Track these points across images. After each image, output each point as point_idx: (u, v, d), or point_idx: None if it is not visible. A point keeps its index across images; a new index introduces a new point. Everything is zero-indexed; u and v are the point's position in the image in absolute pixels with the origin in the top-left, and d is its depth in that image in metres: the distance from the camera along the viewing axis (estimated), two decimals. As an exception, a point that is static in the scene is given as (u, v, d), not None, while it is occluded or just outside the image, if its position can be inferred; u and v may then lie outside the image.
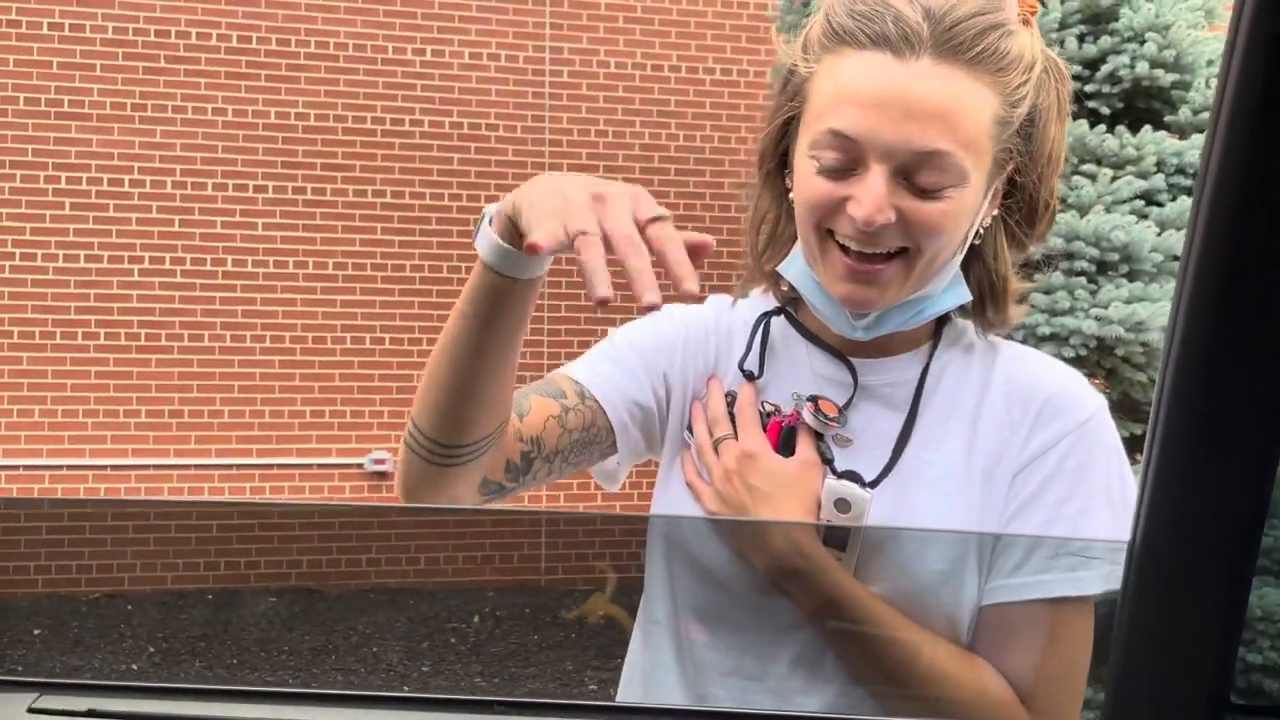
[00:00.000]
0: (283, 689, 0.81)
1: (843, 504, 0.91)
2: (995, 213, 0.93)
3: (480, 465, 0.92)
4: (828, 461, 0.94)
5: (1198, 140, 4.00)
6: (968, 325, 0.98)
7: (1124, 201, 3.84)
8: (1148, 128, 3.96)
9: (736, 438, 0.95)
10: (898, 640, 0.88)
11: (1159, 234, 3.76)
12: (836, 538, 0.90)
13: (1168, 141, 3.95)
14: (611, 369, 1.00)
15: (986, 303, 0.96)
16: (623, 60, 5.90)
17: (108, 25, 5.40)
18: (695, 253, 0.72)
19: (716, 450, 0.96)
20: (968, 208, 0.88)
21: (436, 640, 4.68)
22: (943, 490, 0.91)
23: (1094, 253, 3.67)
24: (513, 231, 0.82)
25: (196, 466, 5.48)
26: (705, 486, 0.96)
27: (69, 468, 5.35)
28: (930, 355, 0.96)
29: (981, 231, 0.92)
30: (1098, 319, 3.62)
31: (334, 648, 4.56)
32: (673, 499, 0.99)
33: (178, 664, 4.33)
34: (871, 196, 0.85)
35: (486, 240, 0.86)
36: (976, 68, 0.85)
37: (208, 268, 5.52)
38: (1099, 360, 3.87)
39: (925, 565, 0.90)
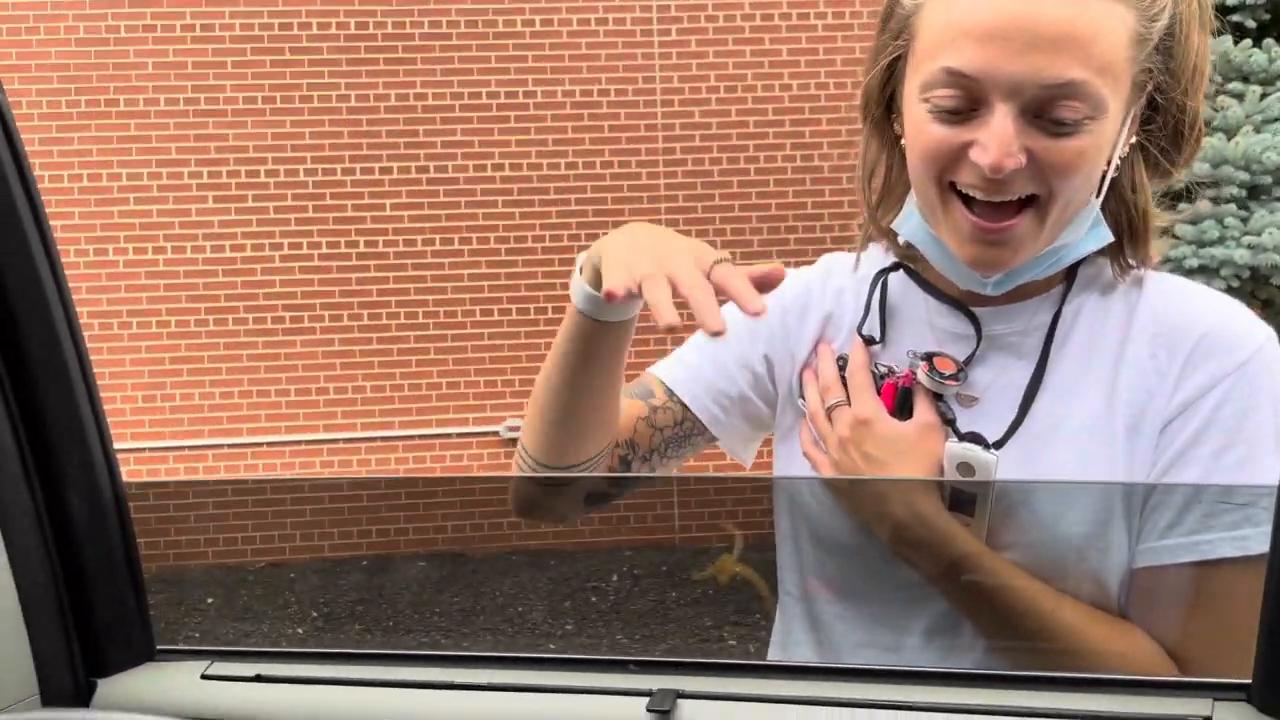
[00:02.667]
0: (432, 652, 0.85)
1: (966, 468, 0.83)
2: (1134, 140, 0.84)
3: (584, 485, 0.93)
4: (949, 422, 0.86)
5: (1359, 46, 3.70)
6: (1107, 261, 0.88)
7: (1275, 119, 3.59)
8: (1300, 38, 3.68)
9: (849, 403, 0.90)
10: (1036, 610, 0.82)
11: (1317, 151, 3.50)
12: (963, 501, 0.83)
13: (1324, 51, 3.67)
14: (699, 361, 0.99)
15: (1125, 241, 0.86)
16: (731, 12, 5.81)
17: (235, 23, 5.63)
18: (768, 280, 0.73)
19: (830, 418, 0.91)
20: (1106, 141, 0.79)
21: (578, 599, 4.80)
22: (1080, 448, 0.82)
23: (1244, 177, 3.45)
24: (598, 278, 0.82)
25: (344, 440, 5.73)
26: (822, 456, 0.92)
27: (229, 446, 5.68)
28: (1064, 298, 0.86)
29: (1119, 163, 0.83)
30: (1250, 247, 3.41)
31: (481, 609, 4.72)
32: (791, 470, 0.96)
33: (339, 627, 4.57)
34: (998, 139, 0.76)
35: (577, 287, 0.87)
36: None
37: (342, 250, 5.73)
38: (1254, 291, 3.64)
39: (1064, 527, 0.82)
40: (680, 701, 0.74)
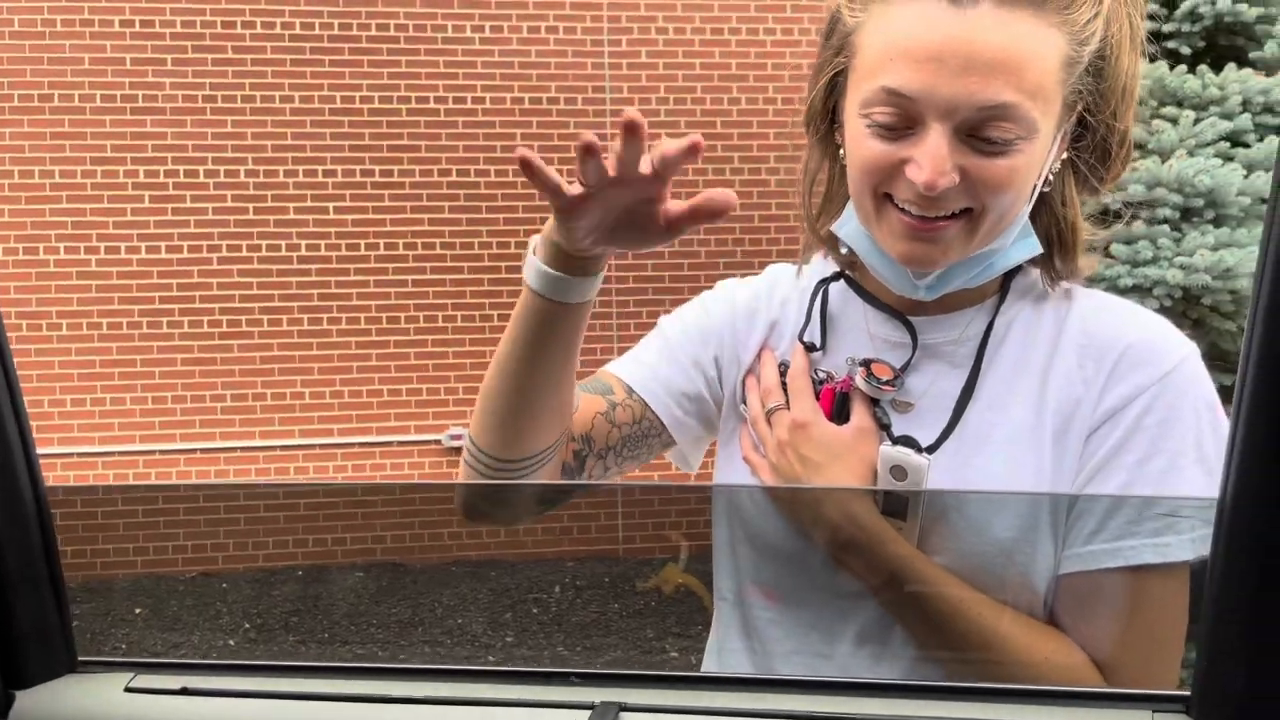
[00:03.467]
0: (367, 664, 0.83)
1: (899, 471, 0.85)
2: (1065, 157, 0.87)
3: (538, 477, 0.92)
4: (884, 427, 0.89)
5: (1286, 76, 3.82)
6: (1039, 274, 0.92)
7: (1208, 144, 3.69)
8: (1231, 66, 3.80)
9: (789, 407, 0.92)
10: (964, 613, 0.83)
11: (1246, 176, 3.61)
12: (896, 505, 0.85)
13: (1253, 79, 3.78)
14: (656, 361, 1.00)
15: (1055, 252, 0.90)
16: (681, 25, 5.84)
17: (175, 20, 5.52)
18: (692, 151, 0.78)
19: (769, 422, 0.93)
20: (1036, 159, 0.82)
21: (519, 611, 4.75)
22: (1009, 454, 0.84)
23: (1177, 199, 3.54)
24: (556, 257, 0.84)
25: (282, 448, 5.62)
26: (761, 460, 0.93)
27: (160, 453, 5.54)
28: (997, 309, 0.90)
29: (1050, 178, 0.86)
30: (1183, 268, 3.50)
31: (420, 620, 4.66)
32: (731, 475, 0.97)
33: (271, 639, 4.48)
34: (932, 159, 0.78)
35: (532, 267, 0.87)
36: (1041, 8, 0.78)
37: (282, 253, 5.64)
38: (1185, 311, 3.74)
39: (992, 532, 0.84)
40: (623, 715, 0.73)
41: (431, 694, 0.78)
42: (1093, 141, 0.87)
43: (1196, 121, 3.68)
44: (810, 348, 0.95)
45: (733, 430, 0.99)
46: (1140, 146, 3.78)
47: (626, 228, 0.83)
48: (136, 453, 5.53)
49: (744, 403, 0.97)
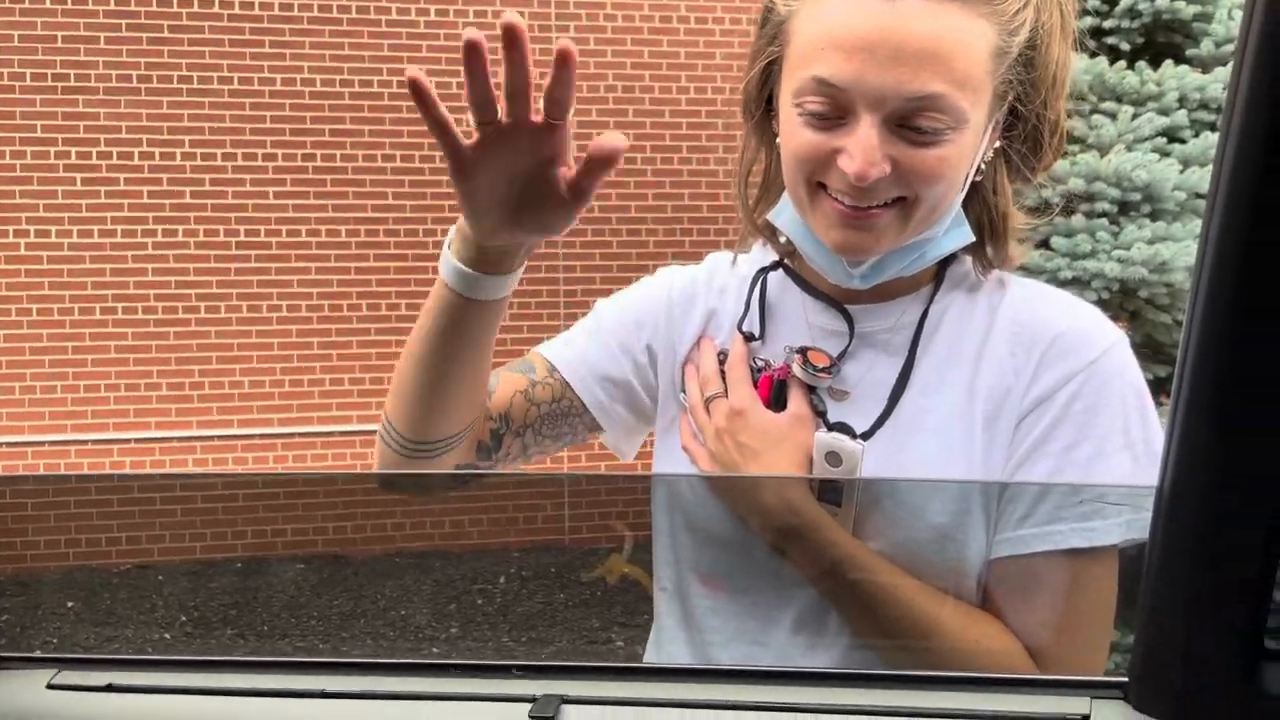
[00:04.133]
0: (303, 659, 0.81)
1: (833, 457, 0.87)
2: (997, 146, 0.88)
3: (449, 458, 0.93)
4: (820, 414, 0.90)
5: (1221, 74, 3.91)
6: (972, 264, 0.93)
7: (1145, 139, 3.76)
8: (1169, 62, 3.87)
9: (727, 395, 0.92)
10: (898, 598, 0.85)
11: (1182, 171, 3.69)
12: (832, 493, 0.86)
13: (1190, 76, 3.86)
14: (586, 344, 1.00)
15: (986, 240, 0.91)
16: (630, 12, 5.82)
17: (110, -3, 5.37)
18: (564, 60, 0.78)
19: (708, 410, 0.93)
20: (967, 149, 0.83)
21: (464, 602, 4.72)
22: (942, 439, 0.86)
23: (1115, 193, 3.61)
24: (470, 252, 0.85)
25: (220, 438, 5.52)
26: (700, 448, 0.94)
27: (93, 442, 5.40)
28: (931, 298, 0.91)
29: (983, 167, 0.87)
30: (1120, 261, 3.57)
31: (363, 612, 4.61)
32: (670, 465, 0.98)
33: (209, 632, 4.40)
34: (863, 149, 0.79)
35: (446, 262, 0.87)
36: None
37: (221, 238, 5.52)
38: (1122, 303, 3.82)
39: (926, 518, 0.85)
40: (565, 707, 0.72)
41: (370, 689, 0.76)
42: (1024, 131, 0.88)
43: (1134, 117, 3.75)
44: (749, 337, 0.95)
45: (672, 419, 0.99)
46: (1080, 141, 3.84)
47: (530, 207, 0.82)
48: (68, 442, 5.39)
49: (683, 391, 0.97)
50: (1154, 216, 3.74)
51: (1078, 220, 3.64)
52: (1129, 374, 0.86)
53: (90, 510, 5.36)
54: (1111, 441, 0.83)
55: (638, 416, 1.02)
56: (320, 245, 5.60)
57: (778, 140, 0.89)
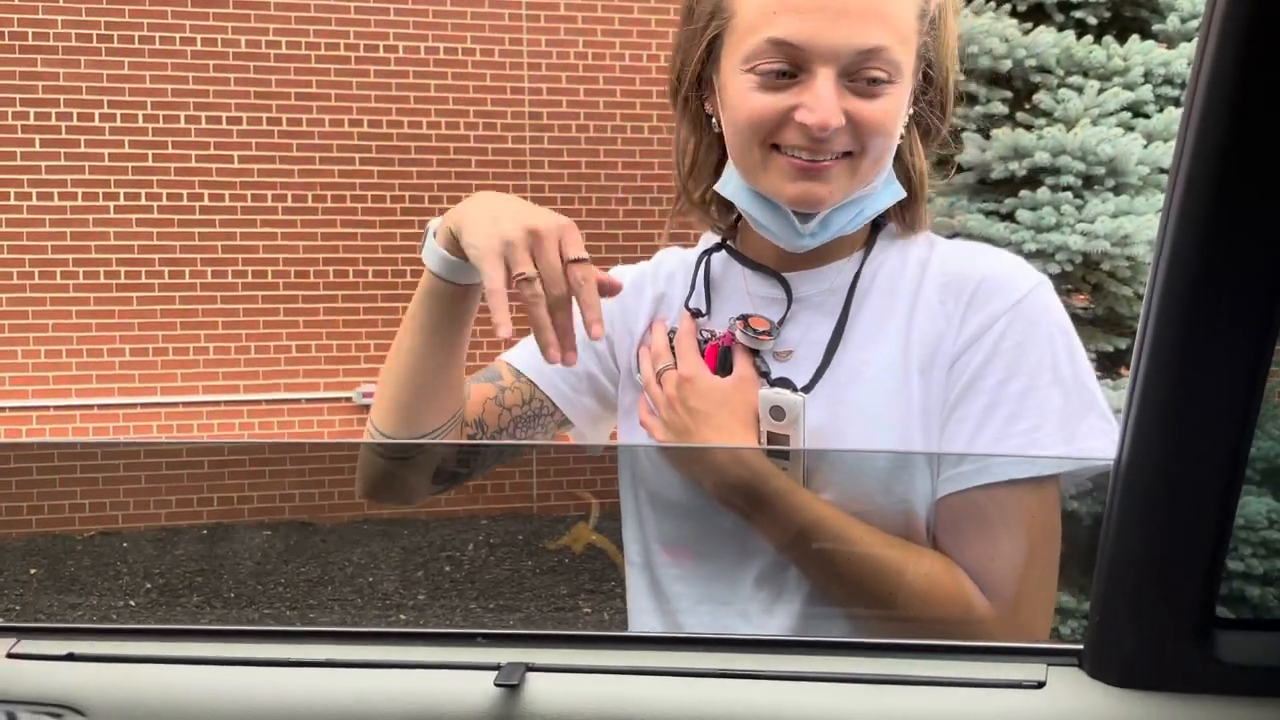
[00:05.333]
0: (268, 627, 0.81)
1: (777, 411, 0.92)
2: (911, 110, 0.95)
3: (431, 456, 1.00)
4: (764, 375, 0.96)
5: (1186, 49, 3.93)
6: (911, 232, 0.99)
7: (1111, 114, 3.79)
8: (1135, 37, 3.89)
9: (677, 367, 0.98)
10: (846, 537, 0.89)
11: (1145, 146, 3.72)
12: (780, 449, 0.92)
13: (1156, 51, 3.89)
14: None
15: (908, 200, 0.97)
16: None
17: (67, -47, 5.23)
18: (606, 289, 0.86)
19: (660, 382, 0.99)
20: (902, 104, 0.91)
21: (431, 569, 4.73)
22: (879, 388, 0.91)
23: (1080, 167, 3.64)
24: (456, 244, 0.90)
25: (184, 404, 5.46)
26: (655, 421, 0.99)
27: (55, 408, 5.33)
28: (864, 259, 0.97)
29: (903, 130, 0.94)
30: (1084, 234, 3.60)
31: (330, 579, 4.60)
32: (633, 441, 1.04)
33: (175, 600, 4.37)
34: (823, 102, 0.86)
35: (433, 254, 0.93)
36: None
37: (184, 203, 5.43)
38: (1084, 276, 3.85)
39: (871, 466, 0.92)
40: (530, 675, 0.73)
41: (333, 656, 0.76)
42: (933, 94, 0.96)
43: (1100, 91, 3.77)
44: (696, 313, 1.01)
45: (632, 402, 1.05)
46: (1046, 114, 3.86)
47: None
48: (30, 408, 5.31)
49: (639, 371, 1.03)
50: (1118, 190, 3.77)
51: (1042, 193, 3.66)
52: (1054, 313, 0.91)
53: (53, 477, 5.30)
54: (1042, 376, 0.88)
55: (603, 405, 1.08)
56: (286, 210, 5.53)
57: (713, 121, 0.96)
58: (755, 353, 0.96)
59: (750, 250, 1.01)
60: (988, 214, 3.77)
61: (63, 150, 5.30)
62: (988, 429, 0.88)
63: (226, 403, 5.51)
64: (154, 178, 5.39)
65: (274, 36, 5.47)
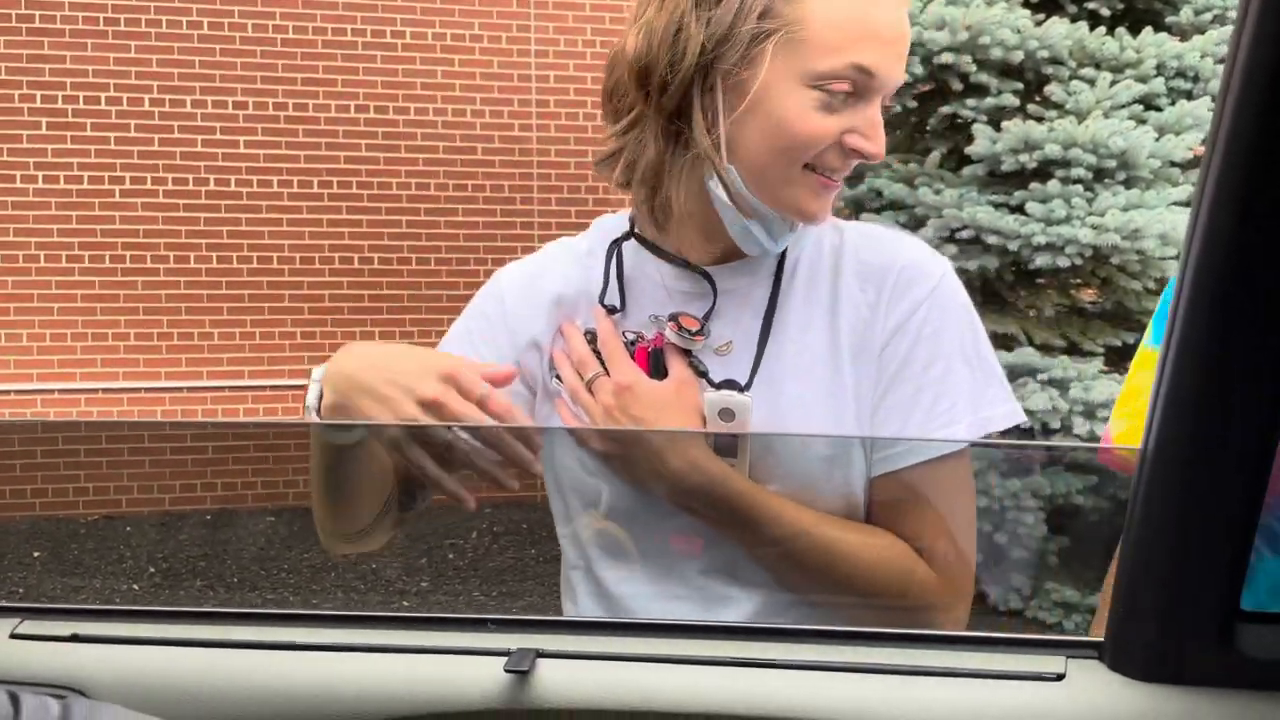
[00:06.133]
0: (274, 610, 0.80)
1: (726, 413, 0.92)
2: None
3: (380, 529, 1.01)
4: (702, 374, 0.94)
5: (1199, 42, 3.91)
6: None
7: (1122, 106, 3.76)
8: (1148, 29, 3.87)
9: (607, 373, 0.95)
10: (802, 528, 0.92)
11: (1157, 139, 3.70)
12: (726, 445, 0.92)
13: (1168, 44, 3.86)
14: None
15: None
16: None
17: (75, -65, 5.21)
18: (497, 379, 0.87)
19: (591, 390, 0.95)
20: None
21: (435, 556, 4.72)
22: (814, 377, 0.93)
23: (1091, 159, 3.62)
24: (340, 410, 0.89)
25: (189, 389, 5.46)
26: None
27: (60, 392, 5.33)
28: (783, 250, 0.97)
29: None
30: (1094, 227, 3.58)
31: (333, 565, 4.60)
32: (554, 454, 1.00)
33: (178, 584, 4.38)
34: (879, 131, 0.89)
35: (312, 406, 0.92)
36: None
37: (190, 187, 5.42)
38: (1094, 270, 3.84)
39: (813, 453, 0.94)
40: (540, 660, 0.72)
41: (341, 640, 0.76)
42: None
43: (1113, 84, 3.75)
44: (611, 309, 0.97)
45: (550, 413, 1.00)
46: (1058, 106, 3.84)
47: None
48: (34, 391, 5.31)
49: (556, 379, 0.98)
50: (1128, 184, 3.74)
51: (1053, 186, 3.64)
52: (960, 296, 0.96)
53: (57, 460, 5.30)
54: (955, 357, 0.93)
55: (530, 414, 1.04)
56: (292, 196, 5.52)
57: (686, 147, 0.90)
58: (686, 352, 0.95)
59: (671, 243, 0.97)
60: (997, 206, 3.75)
61: (69, 134, 5.29)
62: (917, 412, 0.92)
63: (231, 388, 5.50)
64: (160, 162, 5.38)
65: (280, 21, 5.45)
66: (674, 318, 0.94)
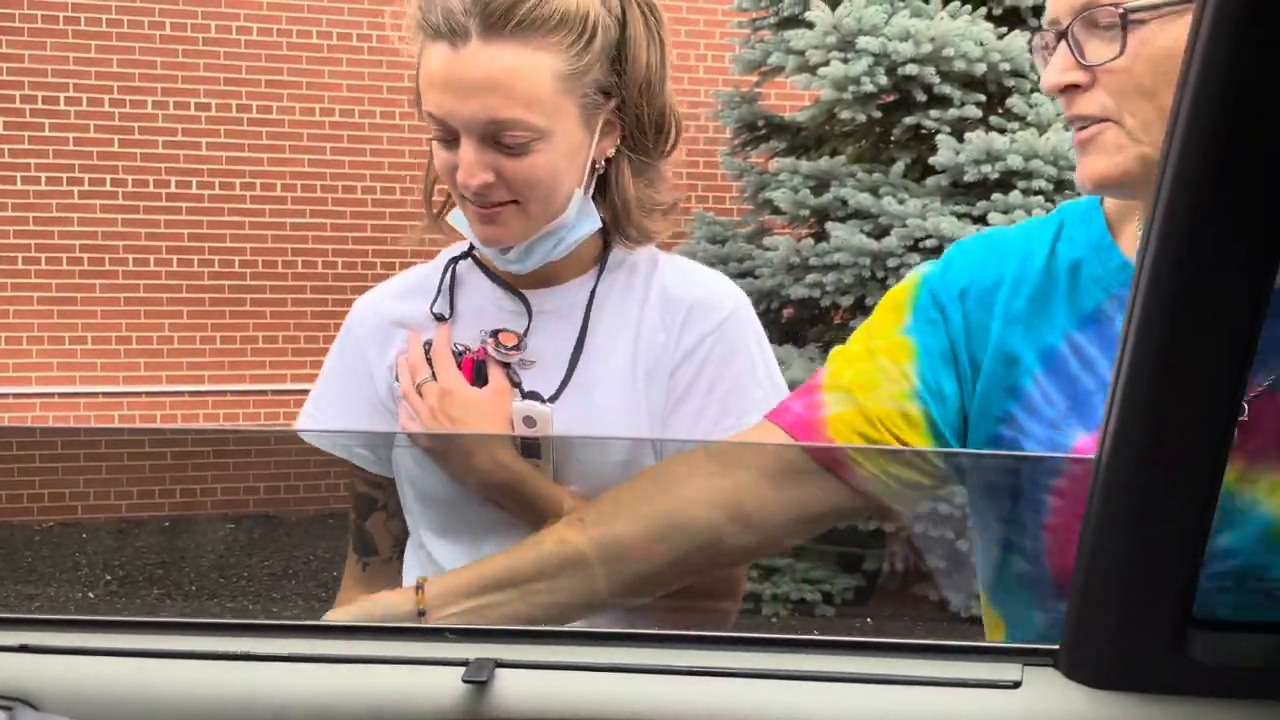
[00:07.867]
0: (229, 620, 0.79)
1: (529, 420, 1.06)
2: (617, 144, 1.06)
3: (389, 576, 1.14)
4: (517, 385, 1.08)
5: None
6: (633, 248, 1.11)
7: (1083, 119, 3.82)
8: (1108, 44, 3.93)
9: (436, 379, 1.08)
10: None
11: (1117, 152, 3.76)
12: (532, 450, 1.07)
13: (1128, 58, 3.92)
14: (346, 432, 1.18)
15: (622, 222, 1.09)
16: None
17: (34, -68, 5.14)
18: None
19: (420, 393, 1.08)
20: (562, 153, 1.01)
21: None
22: (615, 394, 1.07)
23: (1052, 171, 3.67)
24: None
25: (147, 394, 5.38)
26: (416, 427, 1.09)
27: (14, 396, 5.24)
28: (597, 278, 1.10)
29: (601, 164, 1.06)
30: (1054, 238, 3.63)
31: (294, 573, 4.55)
32: (401, 454, 1.13)
33: (135, 592, 4.31)
34: (465, 164, 1.00)
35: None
36: (523, 37, 0.97)
37: (150, 189, 5.35)
38: (1054, 279, 3.88)
39: (610, 458, 1.08)
40: (499, 670, 0.71)
41: (296, 650, 0.75)
42: (630, 127, 1.06)
43: (1073, 97, 3.80)
44: (439, 317, 1.11)
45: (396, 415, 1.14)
46: (1019, 119, 3.89)
47: None
48: (-13, 396, 5.21)
49: (397, 380, 1.12)
50: (1089, 195, 3.81)
51: (1014, 197, 3.69)
52: (751, 326, 1.10)
53: (11, 466, 5.20)
54: (744, 378, 1.08)
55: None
56: (255, 199, 5.47)
57: None
58: (506, 365, 1.08)
59: (495, 265, 1.11)
60: (960, 216, 3.79)
61: (26, 134, 5.21)
62: (700, 426, 1.06)
63: (190, 393, 5.43)
64: (119, 163, 5.31)
65: (245, 22, 5.40)
66: (495, 334, 1.09)
